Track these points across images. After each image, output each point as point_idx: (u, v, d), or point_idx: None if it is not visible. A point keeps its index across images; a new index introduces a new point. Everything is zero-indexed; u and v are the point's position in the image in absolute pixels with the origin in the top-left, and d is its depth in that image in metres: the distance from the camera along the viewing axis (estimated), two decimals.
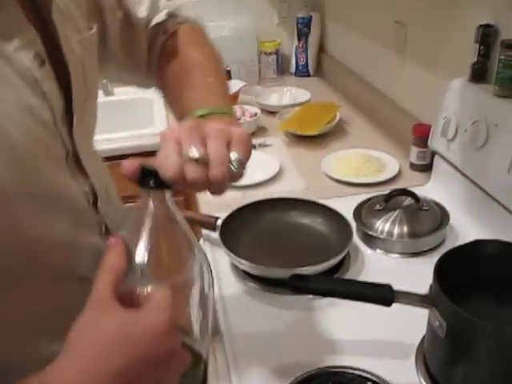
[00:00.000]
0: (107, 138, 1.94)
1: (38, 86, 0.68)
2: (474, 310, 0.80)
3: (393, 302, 0.82)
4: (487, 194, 1.26)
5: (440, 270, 0.86)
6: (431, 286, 0.85)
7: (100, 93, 1.44)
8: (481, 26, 1.31)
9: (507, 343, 0.77)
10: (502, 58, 1.22)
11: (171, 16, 1.01)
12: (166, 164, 0.62)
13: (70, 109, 0.74)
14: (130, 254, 0.60)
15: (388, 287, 0.83)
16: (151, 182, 0.62)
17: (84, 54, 0.79)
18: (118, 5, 0.95)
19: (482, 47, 1.32)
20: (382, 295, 0.83)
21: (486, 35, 1.30)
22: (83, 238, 0.76)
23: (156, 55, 1.01)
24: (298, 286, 0.81)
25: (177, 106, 0.91)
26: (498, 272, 0.92)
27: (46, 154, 0.69)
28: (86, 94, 0.80)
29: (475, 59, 1.34)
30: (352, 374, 0.91)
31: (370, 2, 2.05)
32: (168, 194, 0.64)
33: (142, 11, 0.98)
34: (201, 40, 1.03)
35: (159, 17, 1.00)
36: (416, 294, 0.85)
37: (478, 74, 1.34)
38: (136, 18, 0.98)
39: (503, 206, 1.21)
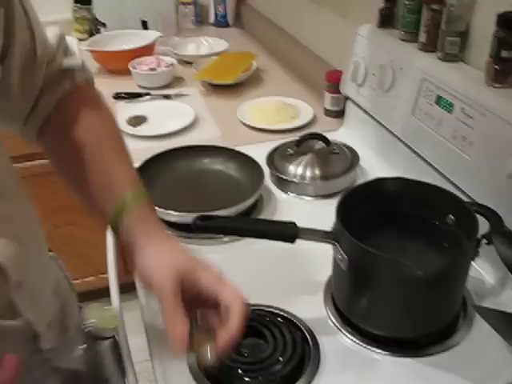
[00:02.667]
0: None
1: None
2: (375, 244, 0.83)
3: (296, 238, 0.85)
4: (394, 135, 1.30)
5: (343, 207, 0.89)
6: (334, 223, 0.88)
7: None
8: None
9: (404, 273, 0.81)
10: (406, 2, 1.25)
11: (83, 67, 0.88)
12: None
13: None
14: None
15: (292, 224, 0.85)
16: None
17: None
18: (26, 22, 0.77)
19: None
20: (286, 232, 0.85)
21: None
22: None
23: (51, 104, 0.84)
24: (202, 225, 0.82)
25: (85, 189, 0.82)
26: (399, 208, 0.96)
27: None
28: None
29: (382, 5, 1.36)
30: (262, 311, 0.94)
31: None
32: None
33: (51, 38, 0.82)
34: (107, 108, 0.90)
35: (74, 63, 0.85)
36: (319, 231, 0.88)
37: (386, 20, 1.37)
38: (43, 44, 0.80)
39: (409, 146, 1.25)
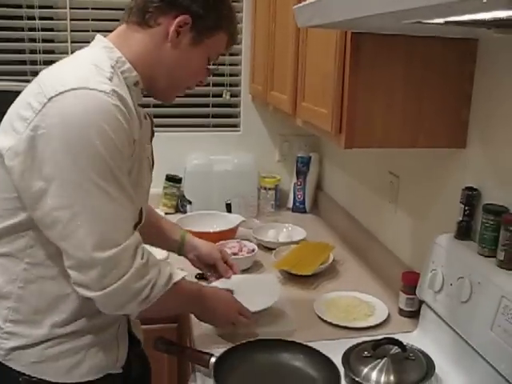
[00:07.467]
0: None
1: None
2: None
3: None
4: (472, 347, 1.31)
5: None
6: None
7: None
8: (466, 188, 1.43)
9: None
10: (484, 221, 1.32)
11: None
12: None
13: None
14: None
15: None
16: None
17: None
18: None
19: (466, 208, 1.42)
20: None
21: (470, 197, 1.42)
22: None
23: None
24: None
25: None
26: None
27: None
28: None
29: (460, 218, 1.44)
30: None
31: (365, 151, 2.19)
32: None
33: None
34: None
35: None
36: None
37: (463, 232, 1.44)
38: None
39: (487, 361, 1.25)
